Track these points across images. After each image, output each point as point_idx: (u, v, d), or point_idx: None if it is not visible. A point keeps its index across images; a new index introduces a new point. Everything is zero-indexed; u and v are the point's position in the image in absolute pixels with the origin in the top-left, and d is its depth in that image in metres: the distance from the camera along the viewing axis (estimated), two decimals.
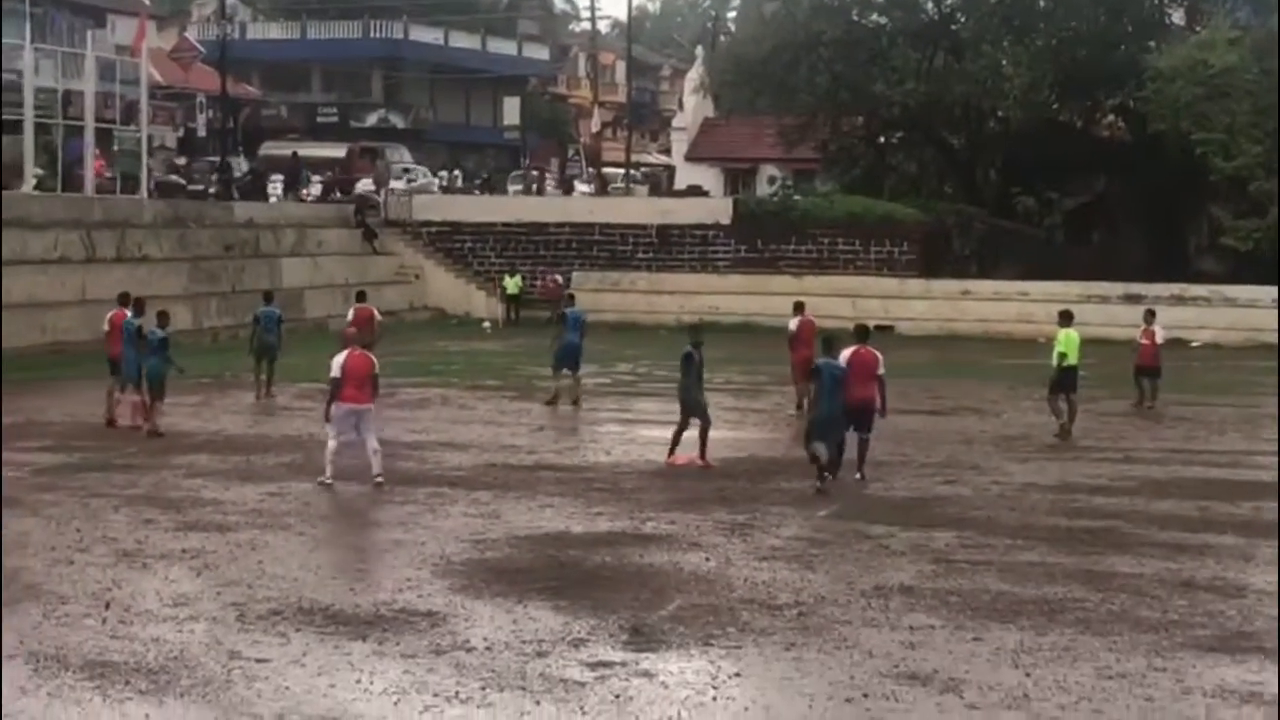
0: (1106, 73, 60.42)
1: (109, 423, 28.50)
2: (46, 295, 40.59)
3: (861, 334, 24.41)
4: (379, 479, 22.57)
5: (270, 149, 72.07)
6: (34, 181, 46.58)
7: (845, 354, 23.41)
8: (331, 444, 22.84)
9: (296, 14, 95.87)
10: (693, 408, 25.27)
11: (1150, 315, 34.91)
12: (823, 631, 14.86)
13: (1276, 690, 13.26)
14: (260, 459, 24.97)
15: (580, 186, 72.95)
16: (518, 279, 55.52)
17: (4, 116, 46.94)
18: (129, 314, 29.27)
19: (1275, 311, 49.51)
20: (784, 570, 17.42)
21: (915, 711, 12.67)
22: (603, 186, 73.52)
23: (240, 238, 50.62)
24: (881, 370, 23.73)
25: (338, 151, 70.25)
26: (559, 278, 55.57)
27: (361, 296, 32.69)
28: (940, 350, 46.77)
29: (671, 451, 25.23)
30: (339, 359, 22.86)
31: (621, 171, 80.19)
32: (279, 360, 33.46)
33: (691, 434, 25.16)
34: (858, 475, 23.49)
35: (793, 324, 32.36)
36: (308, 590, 16.11)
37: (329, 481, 22.54)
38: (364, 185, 62.41)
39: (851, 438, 23.30)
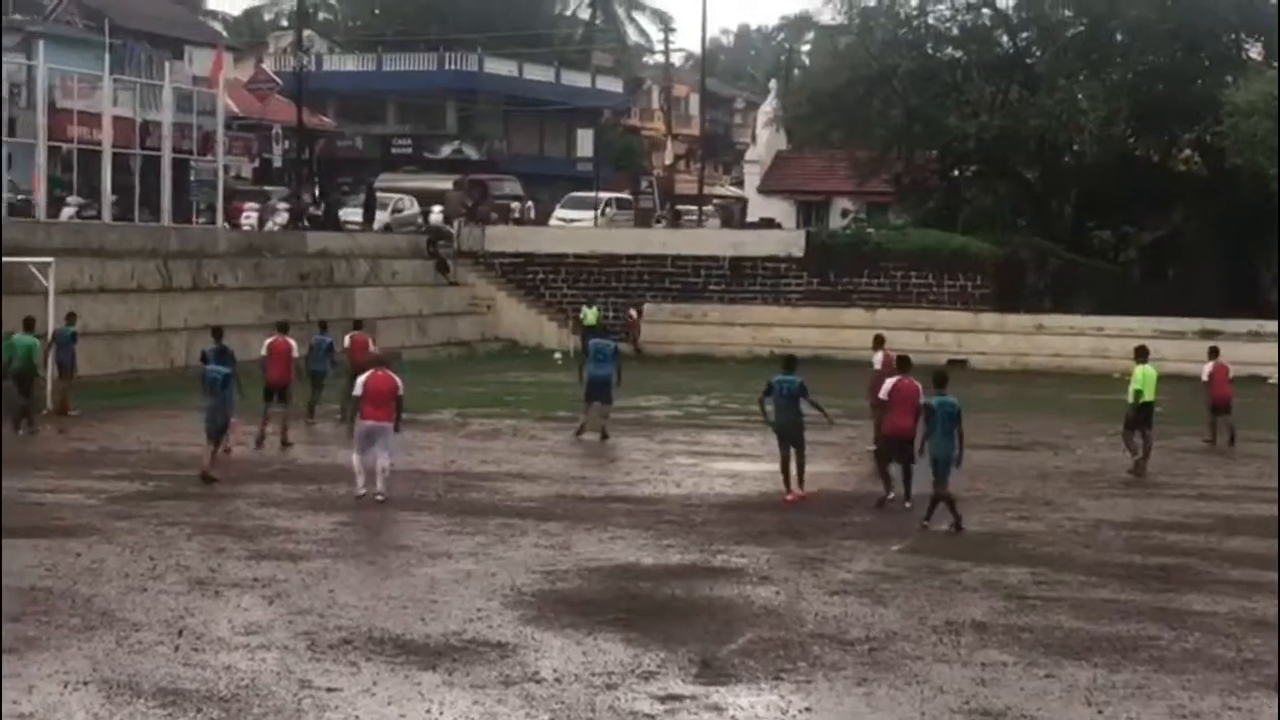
0: (1183, 107, 60.12)
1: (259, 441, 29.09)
2: (123, 324, 40.88)
3: (903, 365, 24.51)
4: (379, 497, 23.48)
5: (387, 180, 72.55)
6: (73, 210, 46.73)
7: (887, 385, 23.61)
8: (355, 459, 23.85)
9: (372, 46, 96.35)
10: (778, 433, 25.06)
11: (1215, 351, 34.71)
12: (894, 667, 14.78)
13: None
14: (332, 488, 25.03)
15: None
16: (596, 310, 55.13)
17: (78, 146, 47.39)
18: (293, 341, 30.62)
19: None
20: (855, 605, 17.35)
21: None
22: (675, 218, 73.56)
23: (314, 267, 50.87)
24: (923, 400, 23.58)
25: (444, 184, 70.53)
26: (634, 312, 55.60)
27: (283, 328, 32.34)
28: (1014, 385, 46.55)
29: (786, 486, 24.96)
30: (361, 378, 23.98)
31: (694, 206, 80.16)
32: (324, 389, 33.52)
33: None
34: (908, 504, 23.66)
35: (876, 360, 32.10)
36: (378, 620, 16.14)
37: (360, 494, 23.59)
38: (435, 216, 62.63)
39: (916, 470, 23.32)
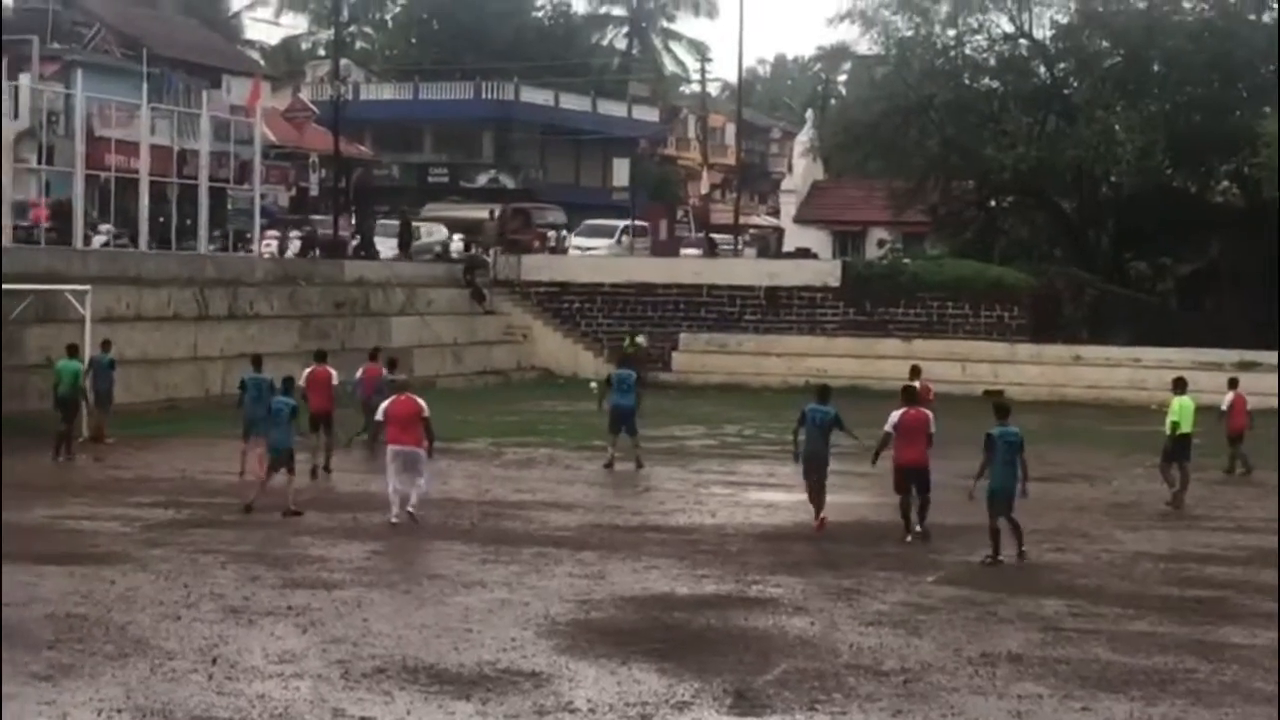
0: (1220, 138, 59.86)
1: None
2: (159, 352, 40.98)
3: (909, 396, 24.43)
4: (411, 510, 23.95)
5: (433, 210, 72.79)
6: (105, 238, 46.81)
7: (895, 416, 23.59)
8: (389, 484, 24.10)
9: (409, 75, 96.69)
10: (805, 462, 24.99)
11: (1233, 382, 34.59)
12: (929, 699, 14.70)
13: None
14: (366, 517, 25.03)
15: (686, 251, 72.71)
16: (642, 339, 55.03)
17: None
18: (385, 370, 31.16)
19: None
20: (890, 636, 17.28)
21: None
22: (711, 248, 73.54)
23: (350, 295, 50.97)
24: (932, 429, 23.77)
25: (481, 213, 70.70)
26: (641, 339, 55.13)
27: (321, 357, 32.26)
28: (1051, 416, 46.30)
29: (816, 515, 24.94)
30: (385, 404, 24.49)
31: (728, 236, 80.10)
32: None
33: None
34: (919, 528, 23.73)
35: None
36: (412, 649, 16.12)
37: (394, 520, 23.87)
38: (456, 244, 62.91)
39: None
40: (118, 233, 47.77)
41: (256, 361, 31.09)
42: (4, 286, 35.45)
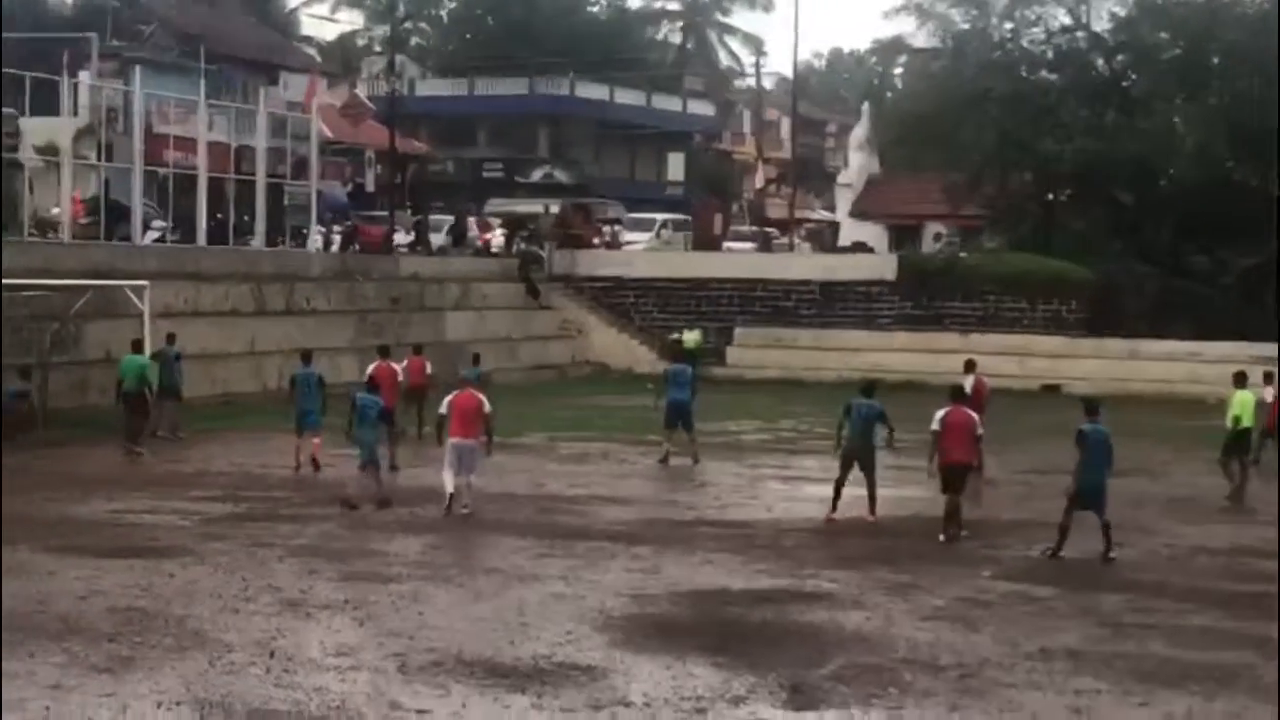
0: None
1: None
2: (217, 347, 41.17)
3: (957, 394, 24.34)
4: (465, 510, 24.30)
5: (495, 205, 73.00)
6: (156, 234, 46.91)
7: (940, 414, 23.49)
8: (446, 475, 24.40)
9: (464, 71, 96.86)
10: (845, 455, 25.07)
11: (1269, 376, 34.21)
12: (986, 694, 14.66)
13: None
14: (423, 510, 25.10)
15: (736, 245, 72.35)
16: (697, 334, 54.88)
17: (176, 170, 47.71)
18: (396, 366, 31.29)
19: None
20: (947, 631, 17.23)
21: None
22: (765, 243, 73.43)
23: (406, 291, 51.11)
24: (980, 431, 23.66)
25: (550, 208, 70.84)
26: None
27: (385, 352, 32.59)
28: (1109, 411, 45.72)
29: (833, 506, 25.11)
30: (448, 398, 24.75)
31: (774, 230, 79.93)
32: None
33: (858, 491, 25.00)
34: (941, 537, 23.31)
35: (967, 384, 31.91)
36: (468, 642, 16.15)
37: (446, 513, 24.28)
38: (496, 239, 62.95)
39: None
40: (168, 227, 47.85)
41: (306, 356, 31.44)
42: (63, 282, 35.71)
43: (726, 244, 73.06)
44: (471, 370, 32.20)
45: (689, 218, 76.65)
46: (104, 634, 16.16)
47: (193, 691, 14.11)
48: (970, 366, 32.06)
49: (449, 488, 24.40)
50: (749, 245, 71.63)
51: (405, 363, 34.28)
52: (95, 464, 29.80)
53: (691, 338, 54.18)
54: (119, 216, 45.19)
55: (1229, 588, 20.13)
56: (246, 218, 50.15)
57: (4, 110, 42.65)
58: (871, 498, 24.99)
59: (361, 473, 25.46)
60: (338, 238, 57.04)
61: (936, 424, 23.45)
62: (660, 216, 72.70)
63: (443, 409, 24.78)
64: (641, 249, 65.37)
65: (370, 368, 30.73)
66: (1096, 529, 24.64)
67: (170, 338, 34.84)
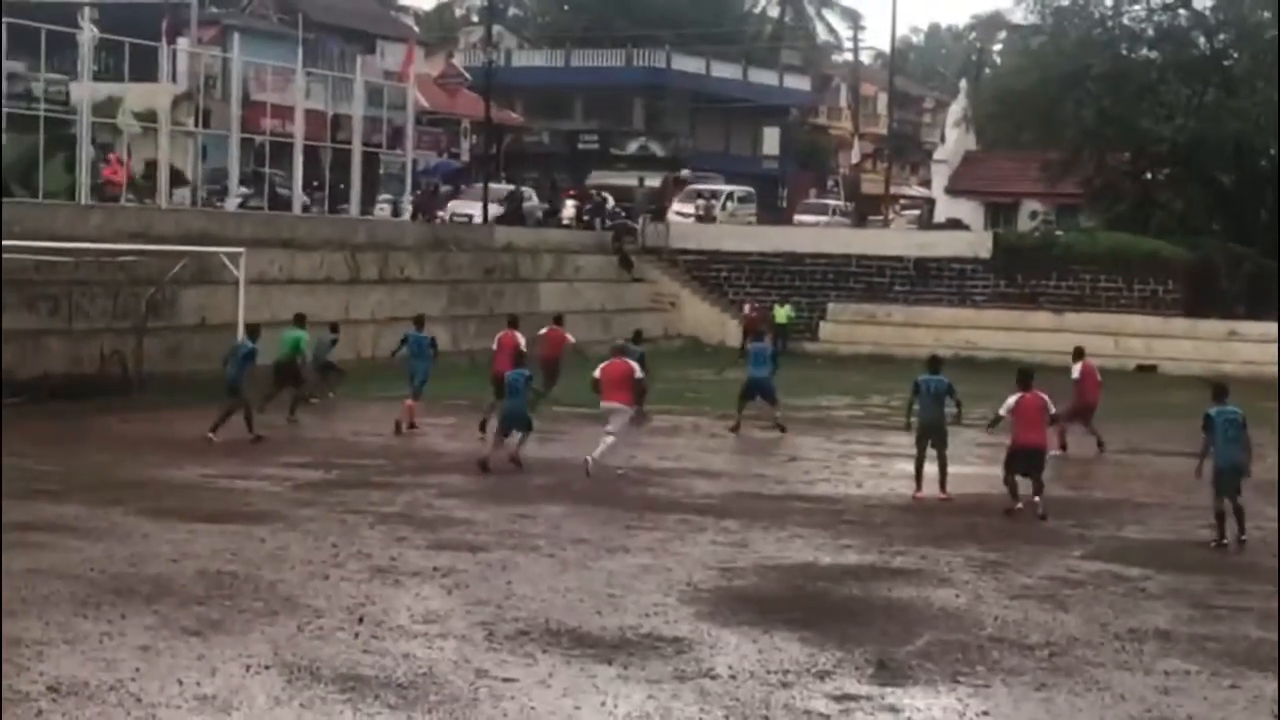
0: None
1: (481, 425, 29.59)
2: (311, 315, 41.18)
3: (1024, 379, 24.12)
4: (589, 461, 25.57)
5: (598, 178, 73.01)
6: (239, 200, 47.04)
7: (1011, 401, 23.63)
8: (608, 439, 25.89)
9: (561, 42, 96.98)
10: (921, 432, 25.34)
11: None
12: (1074, 673, 14.57)
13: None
14: (512, 480, 25.20)
15: (806, 217, 71.58)
16: (789, 309, 54.61)
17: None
18: (521, 336, 31.46)
19: None
20: (1035, 610, 17.13)
21: None
22: (861, 218, 73.10)
23: (499, 261, 51.23)
24: (1053, 410, 24.09)
25: (654, 181, 70.80)
26: (749, 308, 54.19)
27: (513, 322, 33.15)
28: (1205, 392, 45.37)
29: (917, 484, 25.17)
30: (602, 365, 26.73)
31: (843, 204, 79.35)
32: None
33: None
34: (1039, 508, 23.37)
35: (1075, 370, 31.72)
36: (555, 612, 16.20)
37: (620, 471, 25.74)
38: (568, 210, 62.49)
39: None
40: (250, 194, 47.97)
41: (419, 321, 33.00)
42: (158, 248, 36.00)
43: (797, 216, 72.36)
44: (625, 343, 32.21)
45: (750, 190, 75.72)
46: (194, 597, 16.31)
47: (281, 656, 14.22)
48: (1079, 354, 31.81)
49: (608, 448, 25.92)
50: (819, 218, 70.78)
51: (544, 331, 35.33)
52: (188, 428, 30.03)
53: (783, 312, 54.01)
54: (179, 182, 45.15)
55: None
56: (342, 186, 50.39)
57: (13, 70, 42.36)
58: (943, 474, 24.98)
59: (502, 439, 26.59)
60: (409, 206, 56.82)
61: (1005, 411, 23.69)
62: (727, 188, 71.99)
63: (596, 374, 26.40)
64: (690, 221, 64.21)
65: (498, 335, 31.79)
66: (1187, 509, 24.50)
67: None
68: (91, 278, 35.20)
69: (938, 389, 25.10)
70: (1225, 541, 21.63)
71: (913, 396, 25.43)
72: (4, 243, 30.90)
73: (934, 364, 25.94)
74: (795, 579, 18.43)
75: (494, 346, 31.85)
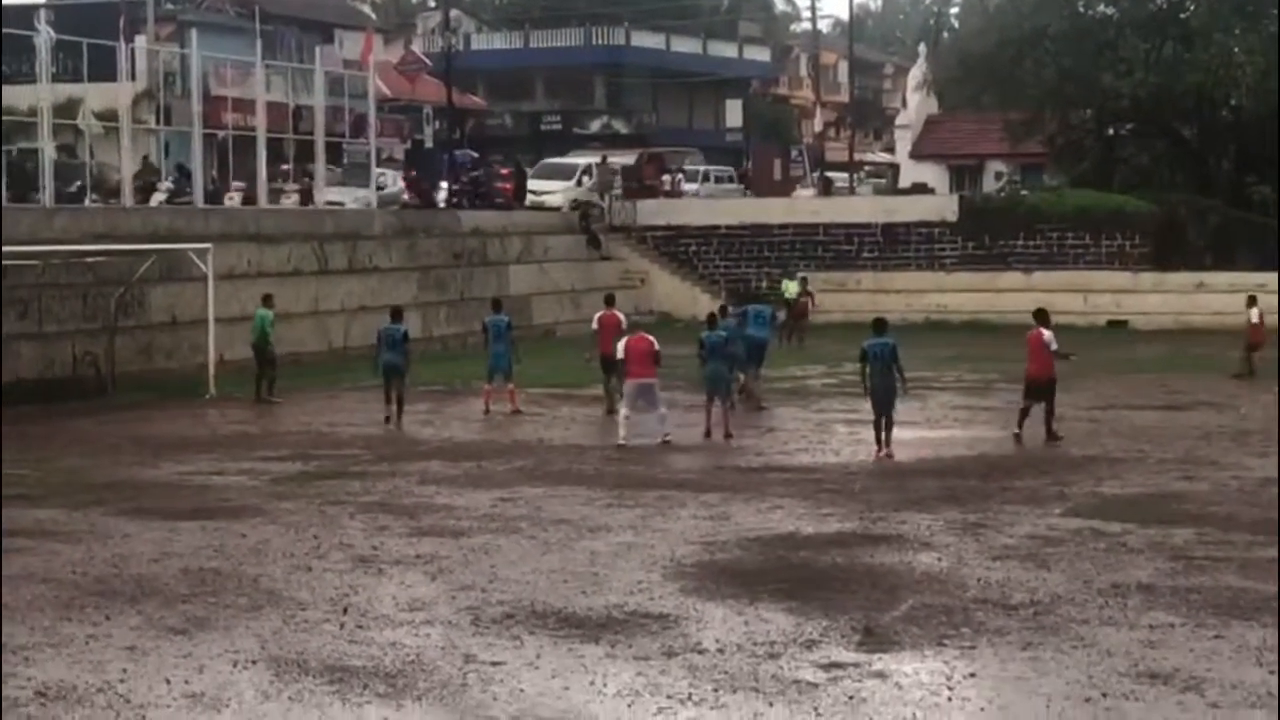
0: None
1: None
2: (281, 307, 40.95)
3: (1037, 316, 27.48)
4: (667, 438, 26.99)
5: (575, 156, 72.34)
6: (164, 196, 46.41)
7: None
8: (624, 413, 26.95)
9: (520, 23, 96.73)
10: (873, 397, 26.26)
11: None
12: (1059, 631, 14.64)
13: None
14: (491, 464, 25.22)
15: (802, 192, 71.27)
16: (797, 284, 51.07)
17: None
18: (621, 314, 32.11)
19: None
20: (1018, 569, 17.20)
21: (1156, 711, 12.43)
22: (826, 187, 73.07)
23: (468, 246, 51.12)
24: (1054, 346, 26.92)
25: (628, 159, 70.33)
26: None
27: (610, 301, 33.15)
28: (1175, 344, 45.90)
29: (878, 445, 26.06)
30: (623, 342, 27.30)
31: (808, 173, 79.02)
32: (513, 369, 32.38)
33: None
34: (1054, 436, 26.84)
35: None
36: (540, 594, 16.22)
37: (621, 443, 26.51)
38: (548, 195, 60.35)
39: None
40: (176, 189, 46.97)
41: (496, 305, 33.73)
42: (127, 247, 35.89)
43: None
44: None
45: (730, 169, 74.89)
46: (179, 595, 16.30)
47: (268, 650, 14.22)
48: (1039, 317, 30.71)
49: (624, 423, 26.77)
50: (692, 188, 66.75)
51: (599, 314, 32.88)
52: (163, 426, 30.01)
53: (792, 287, 51.79)
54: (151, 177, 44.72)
55: None
56: (307, 178, 50.23)
57: None
58: (887, 432, 25.88)
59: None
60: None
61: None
62: (583, 161, 65.19)
63: (620, 354, 27.11)
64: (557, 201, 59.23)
65: (595, 316, 32.28)
66: (1163, 462, 24.65)
67: (396, 313, 32.36)
68: (60, 280, 35.07)
69: (882, 351, 26.01)
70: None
71: (862, 363, 26.36)
72: None
73: (878, 326, 26.77)
74: (778, 550, 18.47)
75: (594, 326, 32.09)
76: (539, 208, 57.67)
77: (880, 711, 12.51)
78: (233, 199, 47.38)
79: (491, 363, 31.80)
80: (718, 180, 70.61)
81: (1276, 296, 46.14)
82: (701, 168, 71.12)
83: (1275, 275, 50.95)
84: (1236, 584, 16.40)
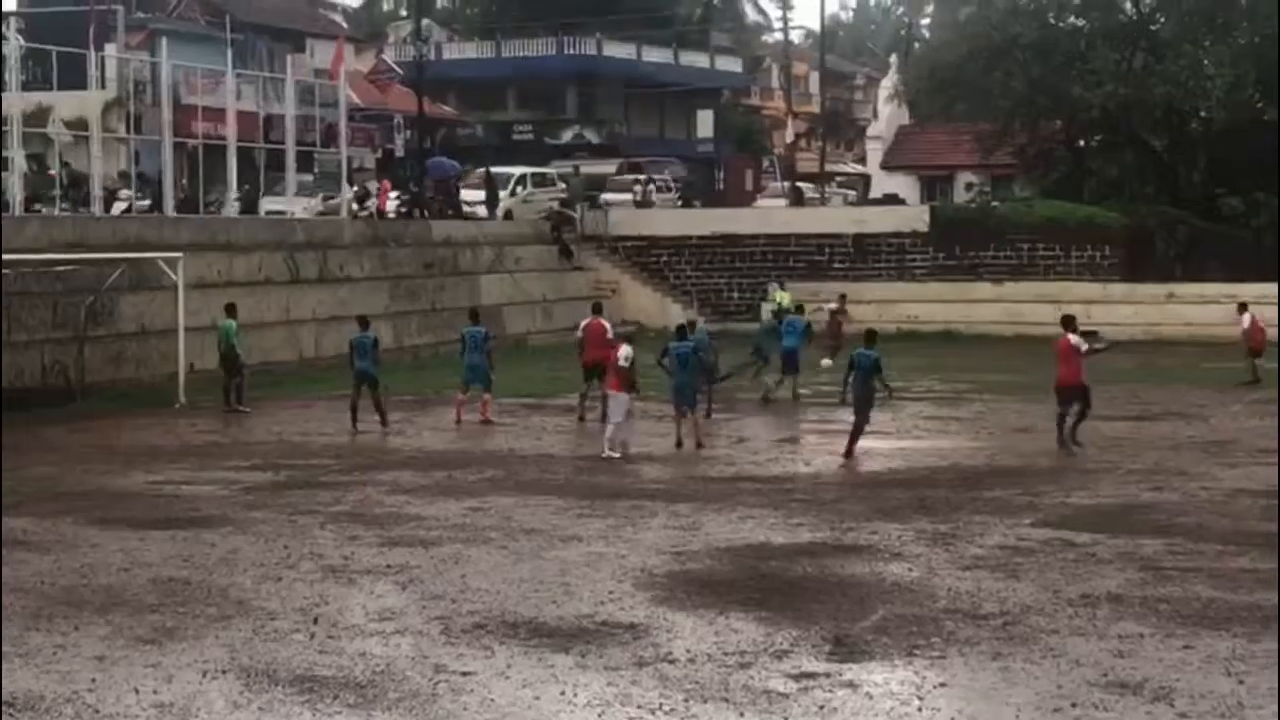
0: None
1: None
2: (252, 317, 40.98)
3: (1064, 322, 28.13)
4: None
5: (556, 167, 72.13)
6: (125, 205, 46.05)
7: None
8: (610, 426, 27.00)
9: (491, 33, 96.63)
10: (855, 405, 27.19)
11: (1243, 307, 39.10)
12: (1029, 641, 14.66)
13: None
14: (462, 474, 25.19)
15: (764, 202, 70.98)
16: (789, 295, 48.48)
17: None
18: (607, 323, 32.58)
19: None
20: (988, 579, 17.23)
21: None
22: (798, 197, 73.10)
23: (439, 256, 51.08)
24: (1084, 348, 27.50)
25: (608, 168, 70.09)
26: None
27: (597, 309, 33.37)
28: (1145, 355, 45.98)
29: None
30: (625, 350, 27.70)
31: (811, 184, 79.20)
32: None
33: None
34: (1074, 443, 26.98)
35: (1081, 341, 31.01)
36: (511, 604, 16.20)
37: (614, 456, 26.57)
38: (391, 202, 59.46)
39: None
40: (137, 196, 46.58)
41: (474, 315, 33.68)
42: (97, 256, 35.78)
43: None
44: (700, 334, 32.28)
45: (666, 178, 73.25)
46: (147, 605, 16.25)
47: (237, 660, 14.18)
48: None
49: (611, 431, 26.96)
50: (622, 196, 64.33)
51: (586, 322, 32.90)
52: (133, 435, 29.92)
53: (785, 296, 50.86)
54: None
55: (1270, 529, 20.03)
56: (278, 188, 50.13)
57: None
58: (853, 439, 26.64)
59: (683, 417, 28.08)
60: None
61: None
62: (519, 171, 63.64)
63: (624, 363, 27.38)
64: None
65: (582, 324, 32.68)
66: (1133, 472, 24.73)
67: (363, 321, 32.44)
68: (29, 288, 34.94)
69: (865, 362, 26.80)
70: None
71: (848, 371, 27.36)
72: None
73: (869, 338, 27.83)
74: (749, 559, 18.47)
75: (579, 334, 32.55)
76: (469, 217, 56.72)
77: None
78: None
79: (467, 374, 31.80)
80: (659, 190, 67.57)
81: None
82: (519, 171, 64.11)
83: (1247, 286, 51.16)
84: (1206, 594, 16.45)
